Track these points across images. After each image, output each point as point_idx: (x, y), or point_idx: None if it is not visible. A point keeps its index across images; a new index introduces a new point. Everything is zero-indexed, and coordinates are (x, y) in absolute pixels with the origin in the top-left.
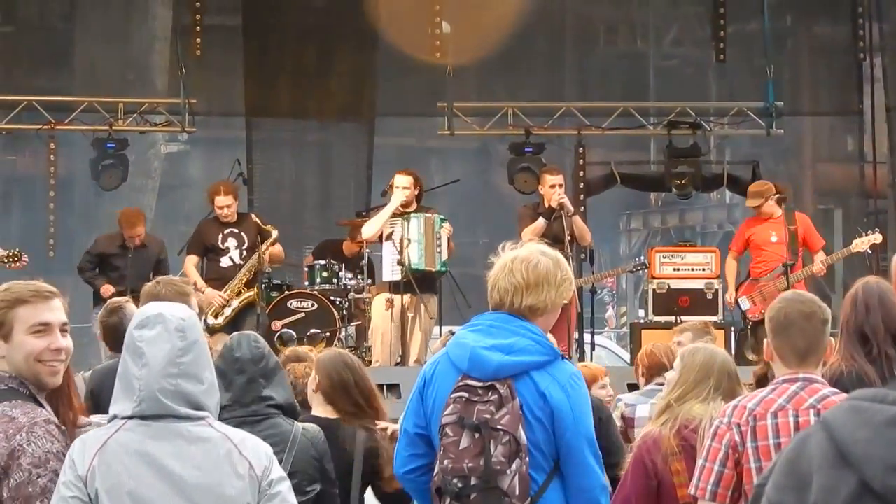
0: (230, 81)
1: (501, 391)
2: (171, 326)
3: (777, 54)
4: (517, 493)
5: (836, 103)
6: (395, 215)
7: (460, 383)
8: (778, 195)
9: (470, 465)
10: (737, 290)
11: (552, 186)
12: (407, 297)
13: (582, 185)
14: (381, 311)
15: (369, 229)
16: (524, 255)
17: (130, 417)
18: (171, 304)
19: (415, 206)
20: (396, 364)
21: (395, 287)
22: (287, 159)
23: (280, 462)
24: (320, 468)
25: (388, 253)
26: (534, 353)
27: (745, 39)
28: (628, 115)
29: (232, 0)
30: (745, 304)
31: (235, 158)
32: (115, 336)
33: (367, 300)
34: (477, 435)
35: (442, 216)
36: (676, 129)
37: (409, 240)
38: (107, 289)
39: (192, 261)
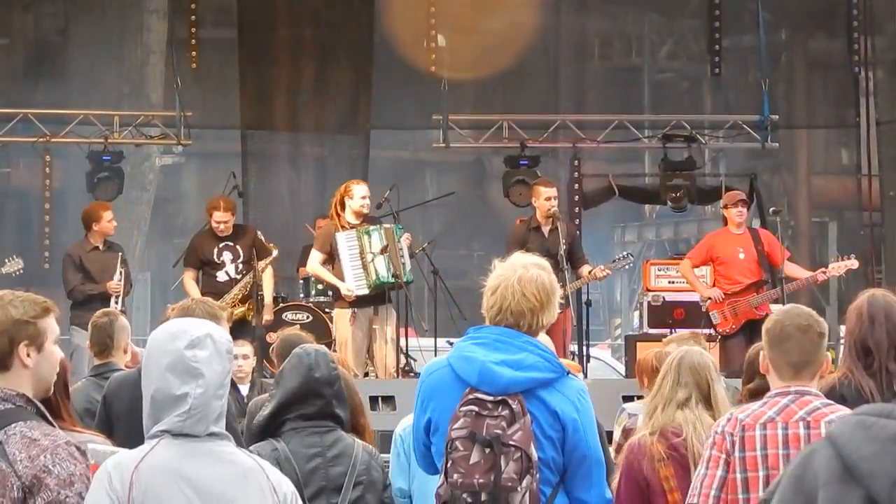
0: (225, 94)
1: (513, 406)
2: (223, 348)
3: (772, 68)
4: None
5: (831, 117)
6: (352, 227)
7: (470, 397)
8: (742, 201)
9: (481, 480)
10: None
11: (547, 199)
12: (370, 310)
13: (577, 197)
14: (347, 326)
15: (312, 269)
16: (529, 276)
17: (165, 432)
18: (209, 323)
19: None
20: (366, 375)
21: (358, 301)
22: (282, 172)
23: (344, 476)
24: (381, 483)
25: (350, 268)
26: (542, 370)
27: (741, 53)
28: (623, 128)
29: (228, 13)
30: (715, 318)
31: (231, 171)
32: (101, 337)
33: (331, 315)
34: (488, 450)
35: (400, 225)
36: (671, 142)
37: (372, 254)
38: (112, 286)
39: (190, 275)
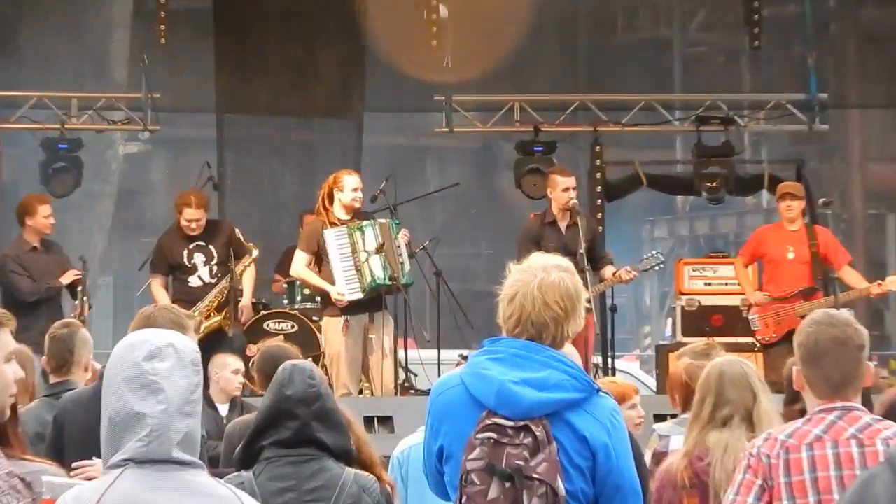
0: (199, 74)
1: (537, 433)
2: (187, 359)
3: (819, 41)
4: None
5: (886, 95)
6: (342, 223)
7: (487, 422)
8: (790, 194)
9: None
10: (749, 307)
11: (565, 189)
12: (365, 318)
13: (599, 188)
14: (338, 337)
15: (297, 272)
16: (551, 280)
17: (128, 461)
18: (174, 333)
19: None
20: (360, 393)
21: (351, 307)
22: (264, 161)
23: None
24: None
25: (341, 269)
26: (569, 390)
27: (784, 24)
28: (651, 109)
29: None
30: (755, 324)
31: (205, 161)
32: (59, 351)
33: (320, 324)
34: (508, 484)
35: (397, 221)
36: (706, 124)
37: (367, 252)
38: (68, 275)
39: (158, 281)
